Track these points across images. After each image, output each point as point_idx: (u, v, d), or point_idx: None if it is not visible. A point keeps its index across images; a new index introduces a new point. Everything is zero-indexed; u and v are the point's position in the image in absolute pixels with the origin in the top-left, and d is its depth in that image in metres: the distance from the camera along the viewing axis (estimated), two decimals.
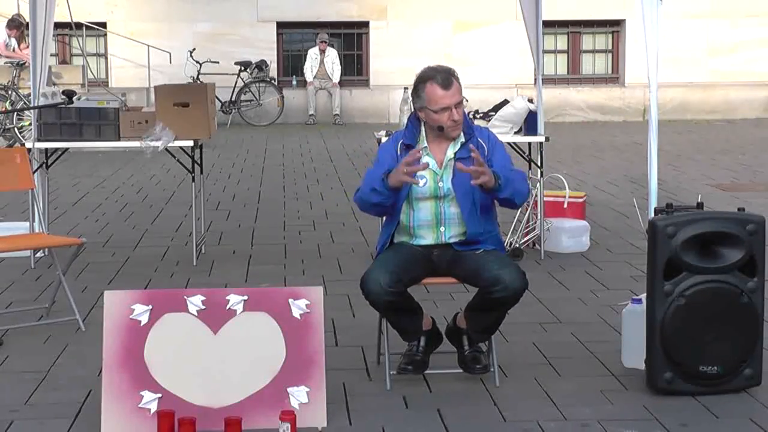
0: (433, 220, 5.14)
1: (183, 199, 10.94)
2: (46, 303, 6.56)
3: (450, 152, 5.13)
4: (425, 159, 5.12)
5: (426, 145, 5.15)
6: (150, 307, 4.72)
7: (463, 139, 5.14)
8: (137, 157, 14.28)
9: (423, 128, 5.17)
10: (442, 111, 5.04)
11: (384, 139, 7.02)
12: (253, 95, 21.02)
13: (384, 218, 5.26)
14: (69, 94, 6.99)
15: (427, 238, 5.15)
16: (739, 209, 5.13)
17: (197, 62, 20.48)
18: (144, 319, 4.70)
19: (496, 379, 5.18)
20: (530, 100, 8.31)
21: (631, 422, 4.69)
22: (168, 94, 7.99)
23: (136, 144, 7.87)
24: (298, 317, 4.76)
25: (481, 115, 8.27)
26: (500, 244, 5.21)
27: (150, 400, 4.62)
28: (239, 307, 4.74)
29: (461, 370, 5.22)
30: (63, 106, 7.28)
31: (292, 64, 22.21)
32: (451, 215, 5.13)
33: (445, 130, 5.08)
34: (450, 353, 5.31)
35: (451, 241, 5.13)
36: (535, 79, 8.69)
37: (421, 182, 5.09)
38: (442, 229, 5.14)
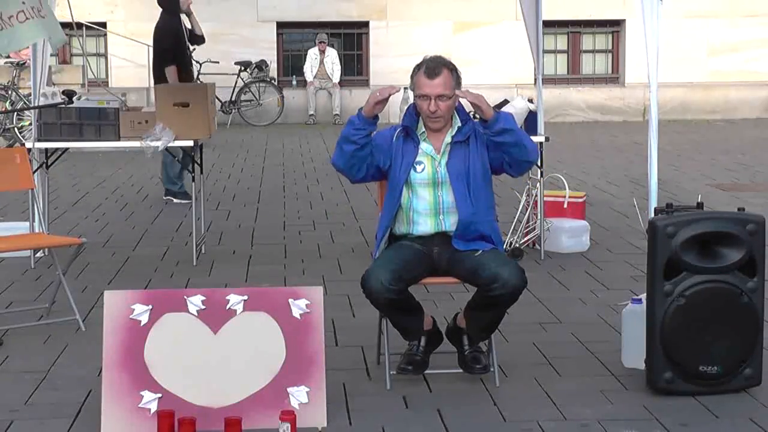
0: (432, 209, 5.16)
1: None
2: (46, 303, 6.56)
3: (448, 137, 5.19)
4: (423, 145, 5.17)
5: (424, 131, 5.21)
6: (150, 307, 4.72)
7: (459, 124, 5.19)
8: (137, 157, 14.28)
9: (421, 116, 5.22)
10: (422, 98, 5.11)
11: None
12: (253, 95, 21.02)
13: (383, 207, 5.27)
14: (69, 94, 6.99)
15: (426, 226, 5.17)
16: (739, 209, 5.13)
17: (197, 62, 20.46)
18: (144, 319, 4.70)
19: (496, 379, 5.18)
20: (530, 100, 8.31)
21: (631, 422, 4.69)
22: (168, 94, 7.99)
23: (136, 144, 7.87)
24: (298, 317, 4.76)
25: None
26: (496, 233, 5.21)
27: (150, 400, 4.63)
28: (239, 307, 4.75)
29: (461, 370, 5.23)
30: (63, 106, 7.27)
31: (292, 64, 22.20)
32: (449, 203, 5.16)
33: (422, 117, 5.15)
34: (450, 353, 5.31)
35: (451, 229, 5.14)
36: (535, 79, 8.69)
37: (419, 168, 5.15)
38: (441, 217, 5.16)
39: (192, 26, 11.05)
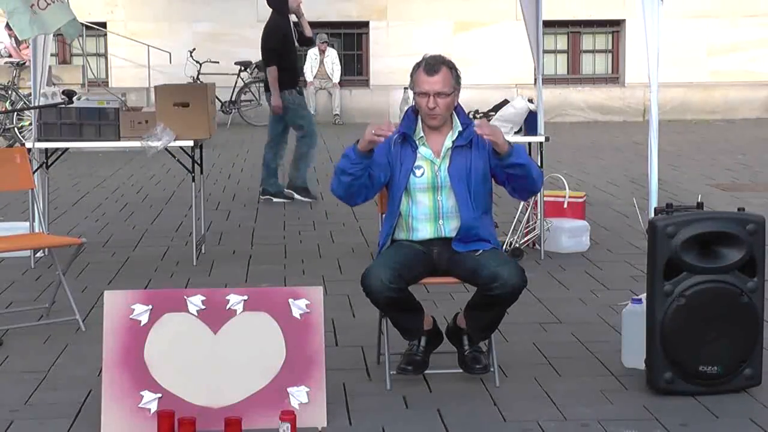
0: (431, 214, 5.16)
1: (183, 199, 10.94)
2: (46, 303, 6.56)
3: (448, 141, 5.17)
4: (422, 150, 5.16)
5: (422, 135, 5.19)
6: (150, 307, 4.72)
7: (460, 128, 5.18)
8: (137, 157, 14.29)
9: (419, 120, 5.20)
10: (421, 95, 5.10)
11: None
12: (253, 95, 21.01)
13: (384, 214, 5.28)
14: (69, 94, 7.00)
15: (425, 232, 5.17)
16: (739, 209, 5.13)
17: (197, 62, 20.49)
18: (144, 319, 4.70)
19: (496, 379, 5.18)
20: (530, 100, 8.32)
21: (631, 422, 4.69)
22: (168, 94, 7.99)
23: (136, 144, 7.88)
24: (298, 317, 4.76)
25: (481, 115, 8.27)
26: (494, 237, 5.21)
27: (150, 400, 4.63)
28: (239, 307, 4.75)
29: (461, 370, 5.22)
30: (63, 106, 7.28)
31: None
32: (449, 208, 5.15)
33: (421, 115, 5.13)
34: (450, 353, 5.31)
35: (451, 234, 5.14)
36: (535, 79, 8.70)
37: (419, 172, 5.14)
38: (440, 222, 5.16)
39: (302, 27, 11.04)
